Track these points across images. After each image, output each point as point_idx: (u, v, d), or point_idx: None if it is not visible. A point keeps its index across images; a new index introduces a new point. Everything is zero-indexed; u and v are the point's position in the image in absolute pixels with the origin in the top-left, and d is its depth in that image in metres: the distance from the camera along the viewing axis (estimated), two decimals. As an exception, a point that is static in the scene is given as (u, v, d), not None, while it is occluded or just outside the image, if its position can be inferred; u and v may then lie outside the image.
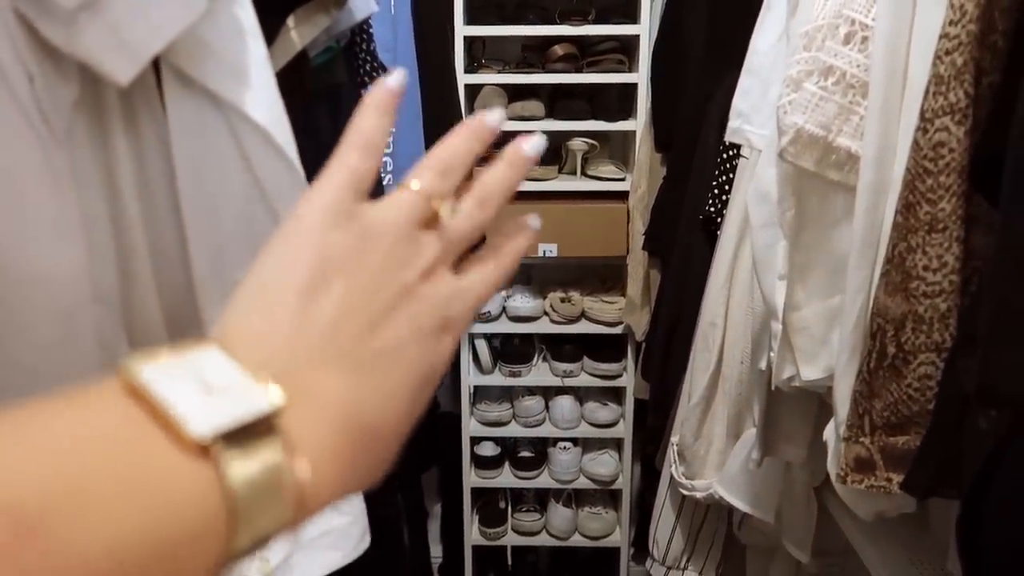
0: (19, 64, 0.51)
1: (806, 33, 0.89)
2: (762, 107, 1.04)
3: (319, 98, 1.02)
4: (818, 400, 1.11)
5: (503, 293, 2.19)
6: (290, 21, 0.84)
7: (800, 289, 0.98)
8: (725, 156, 1.41)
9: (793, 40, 0.93)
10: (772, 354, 1.00)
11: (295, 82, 0.90)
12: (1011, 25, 0.69)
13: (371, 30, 1.11)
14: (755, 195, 1.00)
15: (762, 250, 0.99)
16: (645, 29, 1.94)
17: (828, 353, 0.96)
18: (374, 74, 1.14)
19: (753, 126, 1.06)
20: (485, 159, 0.43)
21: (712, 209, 1.44)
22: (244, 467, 0.25)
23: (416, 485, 2.24)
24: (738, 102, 1.08)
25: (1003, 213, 0.61)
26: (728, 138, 1.13)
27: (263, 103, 0.63)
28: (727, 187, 1.42)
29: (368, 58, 1.13)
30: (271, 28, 0.78)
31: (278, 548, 0.75)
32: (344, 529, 0.80)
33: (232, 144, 0.64)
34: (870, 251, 0.84)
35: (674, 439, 1.42)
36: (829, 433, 0.93)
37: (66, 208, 0.55)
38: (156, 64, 0.63)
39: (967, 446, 0.62)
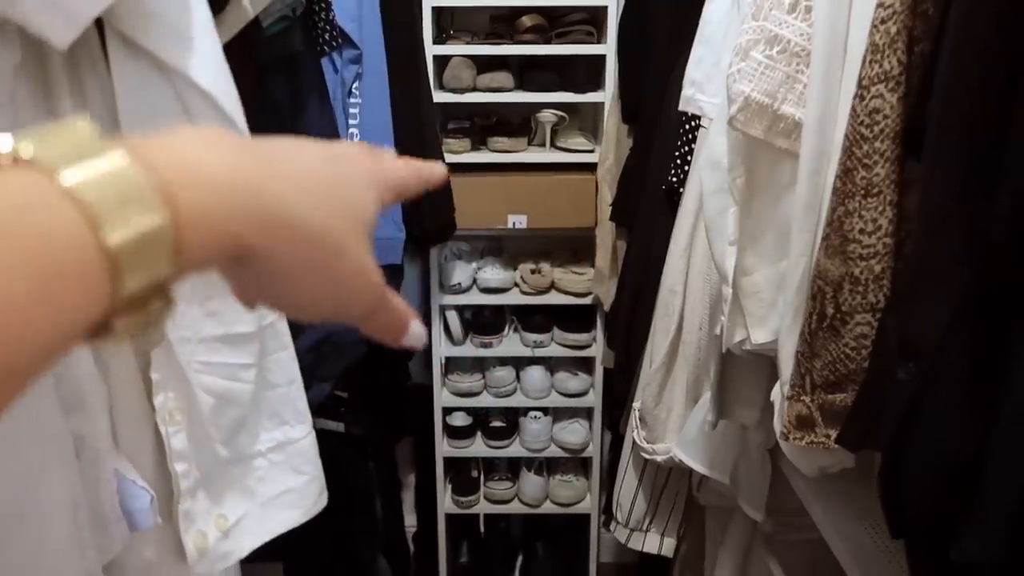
0: (-42, 28, 0.51)
1: (755, 2, 0.91)
2: (714, 76, 1.06)
3: (276, 68, 1.03)
4: (770, 363, 1.14)
5: (474, 264, 2.20)
6: (242, -12, 0.84)
7: (750, 254, 1.01)
8: (687, 127, 1.43)
9: (743, 9, 0.95)
10: (724, 318, 1.03)
11: (247, 50, 0.91)
12: (942, -6, 0.71)
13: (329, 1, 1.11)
14: (707, 162, 1.02)
15: (713, 216, 1.02)
16: (613, 1, 1.95)
17: (777, 316, 0.99)
18: (334, 43, 1.15)
19: (706, 95, 1.08)
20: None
21: (674, 180, 1.46)
22: (104, 199, 0.24)
23: (389, 456, 2.27)
24: (692, 71, 1.10)
25: (924, 175, 0.63)
26: (682, 107, 1.15)
27: (209, 68, 0.64)
28: (689, 158, 1.44)
29: (327, 27, 1.13)
30: (221, -5, 0.78)
31: (235, 505, 0.77)
32: (302, 488, 0.82)
33: (179, 109, 0.65)
34: (813, 215, 0.87)
35: (636, 404, 1.46)
36: (776, 394, 0.96)
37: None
38: (101, 29, 0.63)
39: (888, 399, 0.65)
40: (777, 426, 0.92)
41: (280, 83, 1.04)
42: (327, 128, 1.14)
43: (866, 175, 0.77)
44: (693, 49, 1.09)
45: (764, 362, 1.13)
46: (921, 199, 0.65)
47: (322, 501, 0.84)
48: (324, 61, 1.29)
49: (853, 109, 0.77)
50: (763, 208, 0.99)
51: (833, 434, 0.83)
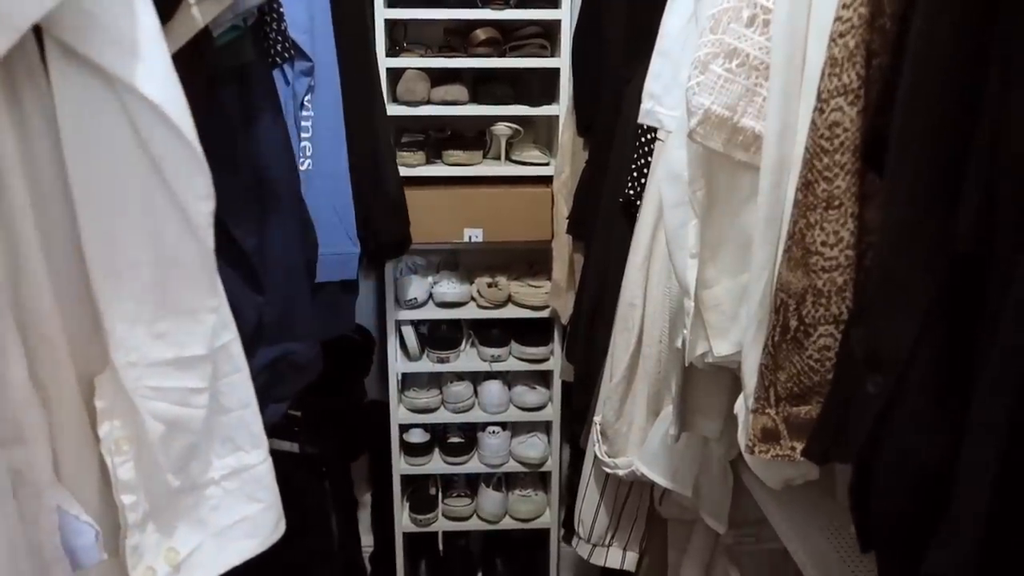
0: None
1: (713, 16, 0.91)
2: (673, 89, 1.06)
3: (226, 79, 1.00)
4: (731, 375, 1.14)
5: (430, 278, 2.18)
6: (191, -5, 0.81)
7: (711, 267, 1.00)
8: (644, 139, 1.44)
9: (701, 22, 0.95)
10: (685, 331, 1.03)
11: (197, 60, 0.87)
12: (898, 8, 0.72)
13: (281, 9, 1.08)
14: (666, 176, 1.02)
15: (674, 229, 1.01)
16: (567, 14, 1.95)
17: (739, 329, 0.99)
18: (286, 55, 1.12)
19: (665, 108, 1.08)
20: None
21: (631, 192, 1.46)
22: None
23: (345, 474, 2.22)
24: (650, 84, 1.10)
25: (886, 188, 0.64)
26: (641, 119, 1.15)
27: (156, 78, 0.61)
28: (646, 170, 1.44)
29: (279, 38, 1.10)
30: (170, 3, 0.75)
31: (187, 538, 0.73)
32: (258, 516, 0.79)
33: (124, 121, 0.61)
34: (774, 228, 0.87)
35: (596, 418, 1.45)
36: (739, 407, 0.96)
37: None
38: (40, 37, 0.60)
39: (856, 411, 0.65)
40: (742, 439, 0.92)
41: (231, 95, 1.00)
42: (279, 141, 1.11)
43: (827, 188, 0.77)
44: (651, 62, 1.09)
45: (725, 374, 1.14)
46: (883, 212, 0.65)
47: (280, 529, 0.81)
48: (276, 73, 1.26)
49: (813, 122, 0.78)
50: (723, 220, 0.99)
51: (799, 446, 0.83)
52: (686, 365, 1.06)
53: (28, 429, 0.61)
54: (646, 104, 1.11)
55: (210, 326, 0.69)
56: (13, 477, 0.61)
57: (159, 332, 0.67)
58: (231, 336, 0.74)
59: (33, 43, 0.59)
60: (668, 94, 1.07)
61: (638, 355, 1.37)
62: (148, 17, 0.61)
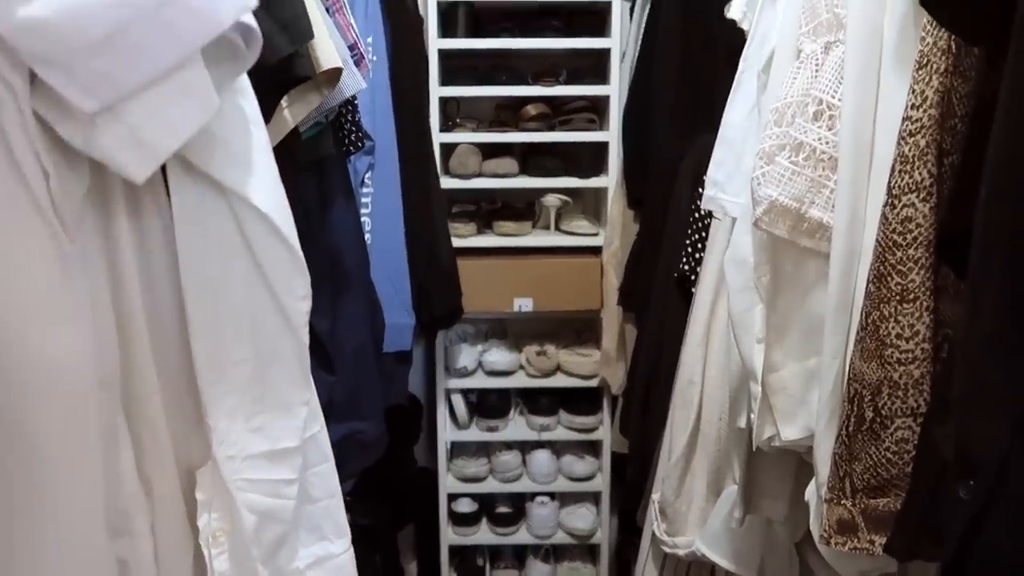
0: (36, 162, 0.52)
1: (776, 109, 0.94)
2: (736, 176, 1.08)
3: (306, 169, 1.05)
4: (797, 456, 1.13)
5: (479, 347, 2.20)
6: (284, 100, 0.87)
7: (778, 351, 1.01)
8: (697, 216, 1.46)
9: (764, 115, 0.98)
10: (752, 415, 1.03)
11: (286, 157, 0.92)
12: (968, 110, 0.74)
13: (357, 101, 1.14)
14: (732, 261, 1.04)
15: (740, 314, 1.03)
16: (615, 90, 2.01)
17: (806, 413, 0.99)
18: (359, 144, 1.17)
19: (728, 195, 1.11)
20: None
21: (686, 267, 1.48)
22: None
23: (392, 544, 2.21)
24: (713, 172, 1.13)
25: (971, 289, 0.64)
26: (704, 206, 1.18)
27: (265, 189, 0.65)
28: (700, 246, 1.46)
29: (354, 128, 1.16)
30: (266, 109, 0.80)
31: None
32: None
33: (234, 229, 0.65)
34: (844, 317, 0.88)
35: (655, 496, 1.44)
36: (811, 494, 0.95)
37: (75, 299, 0.56)
38: (161, 152, 0.64)
39: (946, 513, 0.64)
40: (815, 529, 0.91)
41: (310, 184, 1.05)
42: (351, 226, 1.15)
43: (901, 281, 0.78)
44: (714, 151, 1.13)
45: (791, 456, 1.13)
46: (968, 314, 0.66)
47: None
48: (343, 156, 1.31)
49: (884, 216, 0.79)
50: (789, 305, 1.00)
51: (878, 540, 0.82)
52: (753, 450, 1.06)
53: (135, 520, 0.64)
54: (709, 191, 1.14)
55: (302, 419, 0.72)
56: (120, 567, 0.63)
57: (256, 426, 0.69)
58: (319, 427, 0.77)
59: (155, 157, 0.63)
60: (731, 181, 1.09)
61: (697, 433, 1.37)
62: (260, 132, 0.65)
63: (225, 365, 0.67)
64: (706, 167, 1.44)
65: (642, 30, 1.93)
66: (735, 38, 1.18)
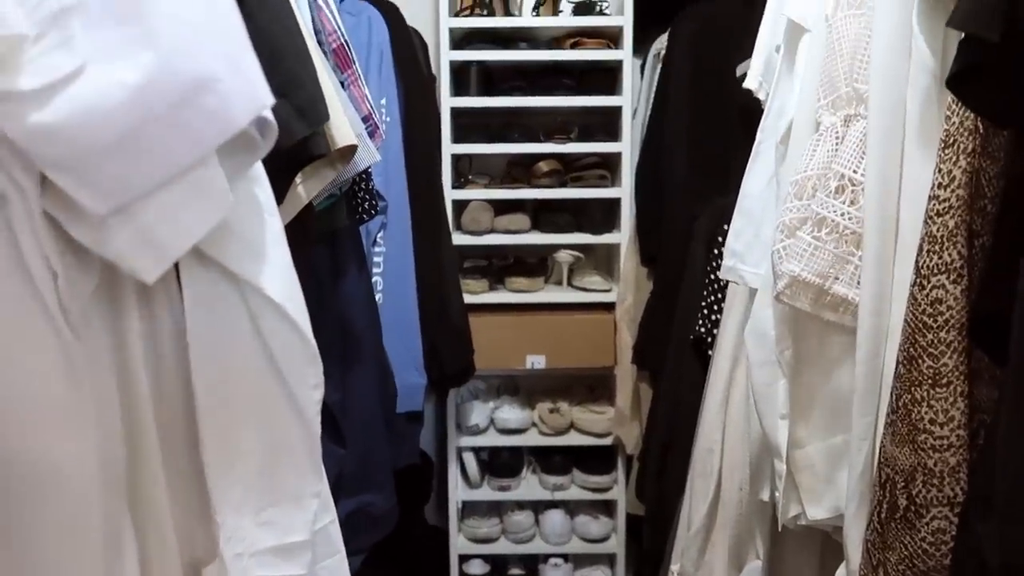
0: (44, 263, 0.51)
1: (796, 182, 0.92)
2: (755, 247, 1.07)
3: (319, 239, 1.03)
4: (823, 535, 1.09)
5: (490, 404, 2.17)
6: (298, 177, 0.86)
7: (802, 427, 0.98)
8: (713, 277, 1.44)
9: (784, 187, 0.97)
10: (777, 493, 1.00)
11: (299, 230, 0.91)
12: (998, 191, 0.72)
13: (371, 170, 1.13)
14: (753, 334, 1.01)
15: (762, 388, 1.00)
16: (627, 146, 2.01)
17: (834, 493, 0.96)
18: (372, 211, 1.16)
19: (747, 265, 1.09)
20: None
21: (702, 330, 1.46)
22: None
23: (402, 606, 2.15)
24: (732, 242, 1.11)
25: (1013, 384, 0.62)
26: (723, 276, 1.16)
27: (279, 279, 0.63)
28: (716, 308, 1.44)
29: (367, 196, 1.15)
30: (280, 188, 0.79)
31: None
32: None
33: (246, 319, 0.64)
34: (873, 398, 0.85)
35: (674, 567, 1.39)
36: (841, 578, 0.91)
37: (80, 402, 0.54)
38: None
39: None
40: (847, 617, 0.87)
41: (322, 253, 1.04)
42: (363, 294, 1.14)
43: (933, 364, 0.75)
44: (732, 221, 1.11)
45: (817, 532, 1.09)
46: (1010, 407, 0.63)
47: None
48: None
49: (913, 296, 0.77)
50: (813, 381, 0.97)
51: (915, 635, 0.78)
52: (779, 530, 1.02)
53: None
54: (728, 261, 1.12)
55: (312, 511, 0.69)
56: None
57: (265, 520, 0.67)
58: (330, 518, 0.74)
59: (167, 247, 0.62)
60: (750, 252, 1.07)
61: (717, 502, 1.33)
62: (274, 220, 0.64)
63: (234, 458, 0.65)
64: (721, 228, 1.43)
65: (653, 88, 1.94)
66: (747, 97, 1.18)
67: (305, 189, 0.87)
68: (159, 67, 0.46)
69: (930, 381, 0.76)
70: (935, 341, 0.75)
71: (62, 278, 0.52)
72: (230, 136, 0.50)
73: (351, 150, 0.86)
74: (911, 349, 0.77)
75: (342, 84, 0.98)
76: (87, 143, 0.46)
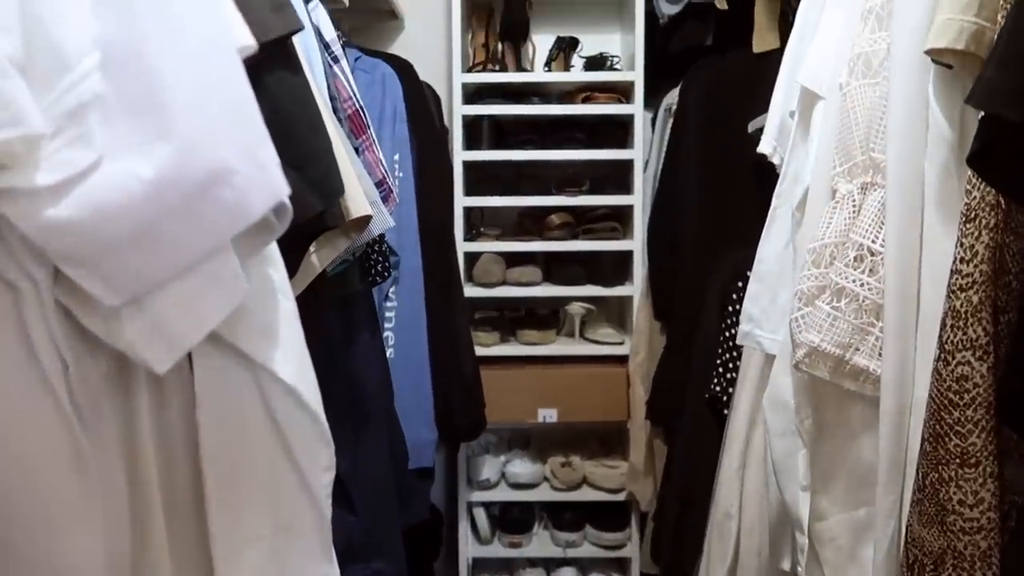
0: (55, 354, 0.50)
1: (813, 250, 0.91)
2: (772, 313, 1.05)
3: (331, 304, 1.03)
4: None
5: (501, 458, 2.14)
6: (312, 246, 0.85)
7: (824, 499, 0.96)
8: (728, 335, 1.43)
9: (800, 254, 0.96)
10: (800, 568, 0.97)
11: (311, 296, 0.90)
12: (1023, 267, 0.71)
13: (383, 233, 1.13)
14: (771, 403, 0.99)
15: (782, 459, 0.98)
16: (638, 199, 2.01)
17: (858, 569, 0.93)
18: (385, 274, 1.16)
19: (764, 331, 1.07)
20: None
21: (718, 388, 1.43)
22: None
23: (410, 667, 2.10)
24: (748, 307, 1.10)
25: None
26: (740, 341, 1.14)
27: (292, 360, 0.62)
28: (731, 366, 1.42)
29: (380, 258, 1.14)
30: (294, 260, 0.79)
31: None
32: None
33: (258, 401, 0.62)
34: (897, 475, 0.83)
35: (692, 636, 1.35)
36: (868, 660, 0.88)
37: (89, 497, 0.52)
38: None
39: None
40: None
41: (334, 318, 1.03)
42: (375, 358, 1.13)
43: (960, 443, 0.73)
44: (748, 286, 1.10)
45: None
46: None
47: None
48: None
49: (937, 372, 0.75)
50: (834, 451, 0.95)
51: None
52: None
53: None
54: (744, 326, 1.10)
55: (322, 594, 0.67)
56: None
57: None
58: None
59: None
60: (767, 317, 1.06)
61: (735, 568, 1.29)
62: (288, 301, 0.63)
63: (243, 542, 0.63)
64: (735, 285, 1.42)
65: (665, 141, 1.95)
66: (759, 153, 1.17)
67: (319, 258, 0.86)
68: (176, 161, 0.46)
69: (958, 460, 0.74)
70: (962, 419, 0.73)
71: (73, 368, 0.51)
72: (245, 226, 0.49)
73: (365, 220, 0.86)
74: (937, 427, 0.75)
75: (357, 150, 0.99)
76: (102, 237, 0.46)
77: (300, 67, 0.76)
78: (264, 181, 0.49)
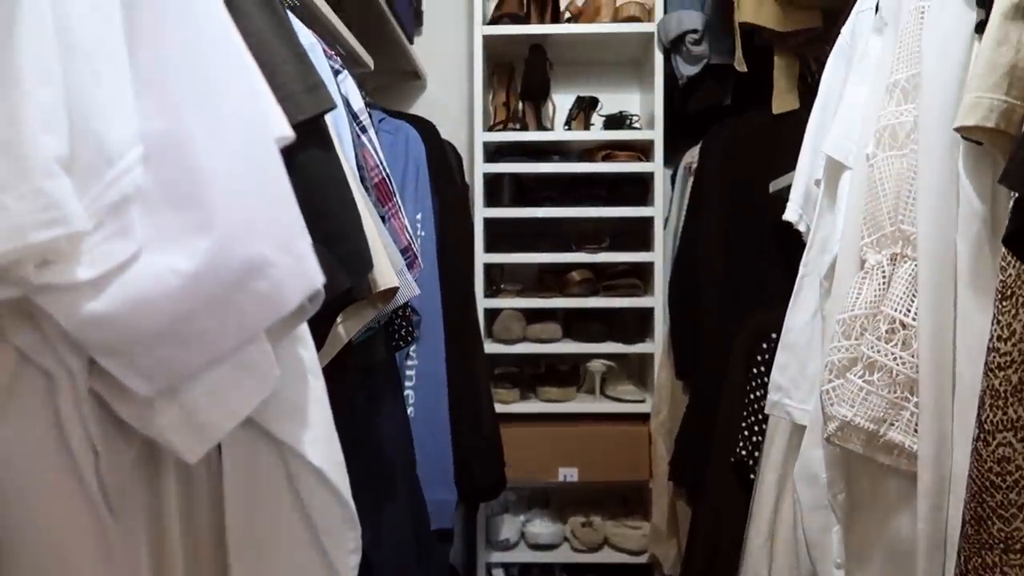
0: (87, 442, 0.50)
1: (843, 321, 0.90)
2: (801, 383, 1.04)
3: (356, 371, 1.02)
4: None
5: (521, 517, 2.10)
6: (339, 318, 0.85)
7: (859, 577, 0.93)
8: (753, 397, 1.40)
9: (830, 325, 0.94)
10: (836, 651, 0.93)
11: (337, 368, 0.90)
12: (1063, 346, 0.69)
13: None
14: (802, 476, 0.97)
15: (815, 535, 0.95)
16: (659, 256, 2.01)
17: (897, 652, 0.89)
18: (408, 339, 1.15)
19: (794, 400, 1.06)
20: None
21: (743, 452, 1.41)
22: None
23: None
24: (777, 376, 1.08)
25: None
26: (768, 411, 1.13)
27: (320, 442, 0.62)
28: (757, 428, 1.40)
29: (404, 324, 1.14)
30: (322, 333, 0.79)
31: None
32: None
33: (285, 483, 0.62)
34: (938, 555, 0.80)
35: None
36: None
37: (115, 585, 0.52)
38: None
39: None
40: None
41: (357, 384, 1.03)
42: (397, 425, 1.12)
43: (1004, 527, 0.71)
44: (777, 355, 1.09)
45: None
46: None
47: None
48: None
49: (978, 452, 0.73)
50: (869, 527, 0.92)
51: None
52: None
53: None
54: (773, 396, 1.09)
55: None
56: None
57: None
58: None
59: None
60: (796, 388, 1.05)
61: (765, 644, 1.25)
62: (317, 381, 0.63)
63: (267, 631, 0.62)
64: (759, 346, 1.41)
65: (685, 198, 1.95)
66: (781, 211, 1.17)
67: (345, 329, 0.86)
68: (213, 254, 0.46)
69: (1002, 546, 0.71)
70: (1005, 503, 0.71)
71: (104, 456, 0.51)
72: (280, 317, 0.49)
73: (393, 291, 0.86)
74: (979, 509, 0.73)
75: (383, 218, 1.00)
76: (138, 330, 0.46)
77: (331, 143, 0.77)
78: (300, 271, 0.50)
